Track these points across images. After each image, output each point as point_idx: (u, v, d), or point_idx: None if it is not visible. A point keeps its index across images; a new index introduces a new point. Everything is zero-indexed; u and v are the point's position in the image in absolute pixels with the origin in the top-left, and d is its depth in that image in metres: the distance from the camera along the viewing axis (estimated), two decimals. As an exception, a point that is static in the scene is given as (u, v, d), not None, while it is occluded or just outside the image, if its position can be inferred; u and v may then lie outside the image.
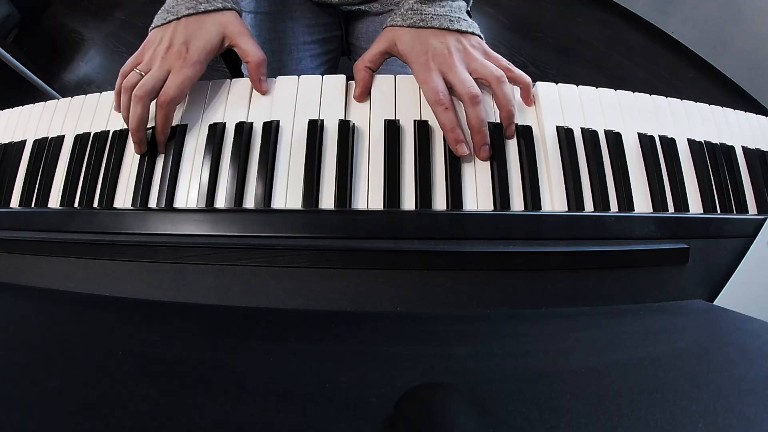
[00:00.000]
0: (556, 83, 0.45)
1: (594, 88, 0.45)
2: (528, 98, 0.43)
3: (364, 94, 0.43)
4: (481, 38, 0.45)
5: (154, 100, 0.41)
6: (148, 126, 0.42)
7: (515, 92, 0.43)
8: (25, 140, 0.48)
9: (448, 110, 0.40)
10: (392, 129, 0.41)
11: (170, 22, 0.43)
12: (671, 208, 0.40)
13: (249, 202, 0.40)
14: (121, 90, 0.43)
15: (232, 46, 0.45)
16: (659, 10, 1.51)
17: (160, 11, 0.45)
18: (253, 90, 0.45)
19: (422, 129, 0.41)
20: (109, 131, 0.45)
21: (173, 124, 0.43)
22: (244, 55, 0.44)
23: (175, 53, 0.42)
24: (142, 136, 0.42)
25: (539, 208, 0.39)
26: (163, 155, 0.43)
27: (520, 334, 0.27)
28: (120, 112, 0.44)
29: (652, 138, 0.43)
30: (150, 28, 0.45)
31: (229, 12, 0.44)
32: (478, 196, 0.39)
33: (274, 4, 0.60)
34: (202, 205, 0.40)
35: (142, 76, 0.41)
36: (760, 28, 1.31)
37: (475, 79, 0.41)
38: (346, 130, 0.41)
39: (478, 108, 0.40)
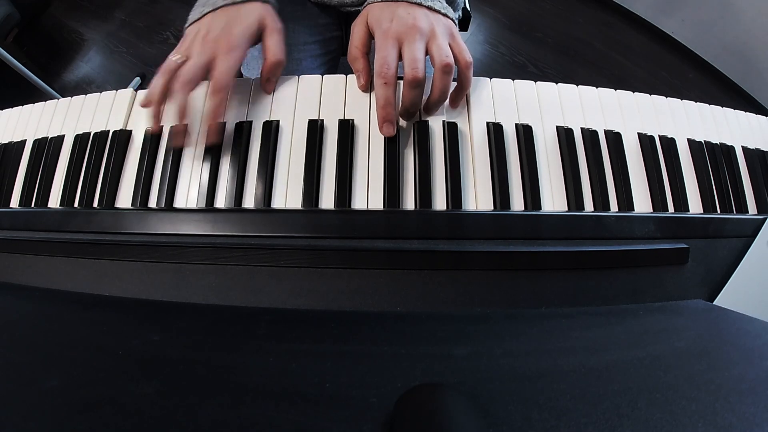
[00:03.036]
0: (556, 83, 0.45)
1: (594, 88, 0.45)
2: (456, 100, 0.42)
3: (369, 82, 0.42)
4: (454, 22, 0.43)
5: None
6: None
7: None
8: (25, 140, 0.48)
9: (387, 85, 0.38)
10: (392, 129, 0.41)
11: (206, 14, 0.43)
12: (671, 208, 0.41)
13: (249, 202, 0.40)
14: (160, 80, 0.41)
15: (262, 38, 0.43)
16: (659, 10, 1.51)
17: (193, 8, 0.44)
18: (253, 90, 0.45)
19: (422, 129, 0.41)
20: (109, 131, 0.45)
21: (172, 123, 0.43)
22: (266, 50, 0.43)
23: (216, 38, 0.41)
24: (183, 127, 0.41)
25: (539, 208, 0.39)
26: (163, 155, 0.43)
27: (520, 334, 0.27)
28: (148, 106, 0.42)
29: (652, 138, 0.43)
30: (185, 27, 0.44)
31: (266, 5, 0.44)
32: (478, 196, 0.39)
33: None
34: (202, 205, 0.40)
35: (180, 65, 0.40)
36: (760, 28, 1.31)
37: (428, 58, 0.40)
38: (346, 130, 0.41)
39: (415, 92, 0.38)
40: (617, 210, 0.40)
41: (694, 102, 0.46)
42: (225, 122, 0.43)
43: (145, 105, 0.42)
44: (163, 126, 0.43)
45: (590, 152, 0.41)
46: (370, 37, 0.43)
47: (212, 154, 0.41)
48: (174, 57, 0.41)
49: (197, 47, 0.41)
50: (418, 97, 0.39)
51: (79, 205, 0.43)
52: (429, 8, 0.41)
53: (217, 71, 0.40)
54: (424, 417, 0.16)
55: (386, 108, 0.39)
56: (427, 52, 0.40)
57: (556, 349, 0.25)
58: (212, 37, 0.41)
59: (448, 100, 0.42)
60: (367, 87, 0.43)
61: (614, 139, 0.42)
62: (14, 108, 0.51)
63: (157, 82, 0.40)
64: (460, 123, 0.42)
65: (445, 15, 0.42)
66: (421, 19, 0.40)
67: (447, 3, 0.44)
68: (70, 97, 0.49)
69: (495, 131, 0.41)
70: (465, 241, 0.35)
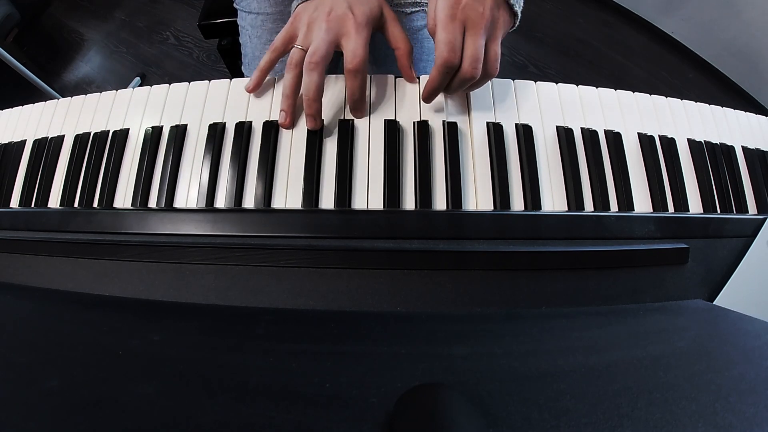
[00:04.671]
0: (556, 83, 0.45)
1: (594, 88, 0.45)
2: (426, 93, 0.40)
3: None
4: (517, 19, 0.40)
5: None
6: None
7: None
8: (25, 140, 0.48)
9: (449, 75, 0.37)
10: (392, 129, 0.41)
11: None
12: (671, 208, 0.40)
13: (249, 202, 0.40)
14: (286, 69, 0.40)
15: (382, 26, 0.42)
16: (659, 10, 1.51)
17: None
18: (249, 90, 0.44)
19: (422, 129, 0.41)
20: (109, 131, 0.45)
21: (177, 123, 0.43)
22: (395, 40, 0.42)
23: (342, 17, 0.39)
24: (319, 108, 0.40)
25: (539, 208, 0.39)
26: (163, 155, 0.43)
27: (520, 334, 0.27)
28: (253, 91, 0.43)
29: (652, 138, 0.43)
30: (296, 4, 0.43)
31: None
32: (478, 196, 0.39)
33: (277, 5, 0.60)
34: (202, 205, 0.40)
35: (305, 51, 0.39)
36: (760, 28, 1.31)
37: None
38: (346, 130, 0.41)
39: (464, 86, 0.38)
40: (617, 210, 0.40)
41: (694, 102, 0.46)
42: (225, 122, 0.43)
43: (251, 90, 0.43)
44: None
45: (590, 152, 0.41)
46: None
47: (212, 154, 0.41)
48: (297, 45, 0.40)
49: (321, 26, 0.39)
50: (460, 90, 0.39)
51: (79, 205, 0.43)
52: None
53: (349, 51, 0.38)
54: (424, 417, 0.16)
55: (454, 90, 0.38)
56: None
57: (556, 349, 0.25)
58: (336, 15, 0.39)
59: (424, 92, 0.40)
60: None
61: (614, 139, 0.42)
62: (14, 108, 0.51)
63: (289, 75, 0.40)
64: (460, 123, 0.42)
65: (513, 11, 0.39)
66: (489, 9, 0.37)
67: None
68: (70, 97, 0.49)
69: (495, 131, 0.41)
70: (465, 241, 0.35)
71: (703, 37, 1.47)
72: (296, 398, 0.19)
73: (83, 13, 1.64)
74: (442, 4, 0.37)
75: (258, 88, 0.44)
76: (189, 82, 0.45)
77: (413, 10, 0.60)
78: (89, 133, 0.46)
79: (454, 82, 0.38)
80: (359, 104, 0.41)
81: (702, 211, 0.41)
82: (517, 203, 0.39)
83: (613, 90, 0.45)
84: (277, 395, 0.19)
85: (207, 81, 0.46)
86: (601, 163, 0.41)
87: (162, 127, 0.43)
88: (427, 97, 0.40)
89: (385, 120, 0.42)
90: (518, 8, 0.39)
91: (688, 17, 1.46)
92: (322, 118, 0.42)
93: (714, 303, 0.35)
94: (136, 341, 0.25)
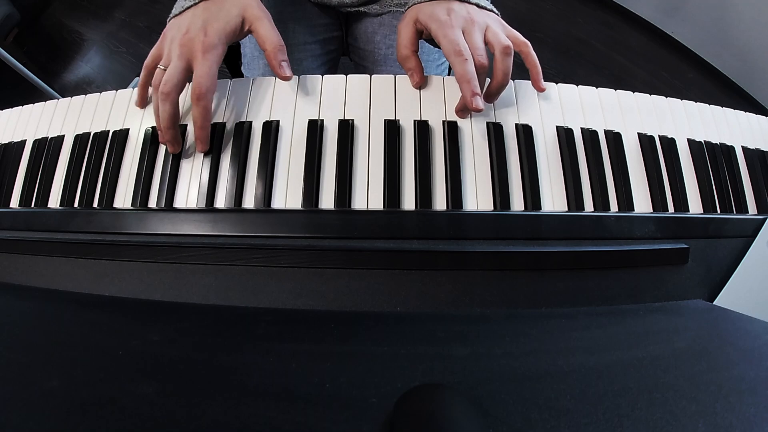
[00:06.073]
0: (556, 83, 0.45)
1: (594, 88, 0.45)
2: (538, 82, 0.43)
3: (423, 79, 0.43)
4: (498, 15, 0.45)
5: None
6: (180, 122, 0.41)
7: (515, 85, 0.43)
8: (25, 140, 0.48)
9: (467, 61, 0.39)
10: (392, 129, 0.41)
11: (187, 8, 0.42)
12: (671, 208, 0.40)
13: (249, 202, 0.39)
14: (150, 89, 0.41)
15: (250, 32, 0.43)
16: (659, 10, 1.51)
17: (175, 4, 0.44)
18: (253, 89, 0.45)
19: (422, 129, 0.41)
20: (109, 131, 0.45)
21: (181, 122, 0.43)
22: (261, 41, 0.43)
23: (193, 39, 0.40)
24: (175, 135, 0.40)
25: (539, 208, 0.39)
26: (163, 155, 0.43)
27: (520, 334, 0.27)
28: (141, 107, 0.44)
29: (652, 138, 0.43)
30: (168, 19, 0.44)
31: None
32: (478, 196, 0.39)
33: (276, 5, 0.60)
34: (202, 205, 0.40)
35: (165, 71, 0.40)
36: (760, 28, 1.31)
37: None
38: (346, 130, 0.41)
39: (480, 78, 0.40)
40: (617, 210, 0.40)
41: (694, 102, 0.46)
42: (225, 122, 0.43)
43: (139, 106, 0.44)
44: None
45: (590, 152, 0.41)
46: (418, 36, 0.44)
47: (212, 154, 0.41)
48: (160, 65, 0.41)
49: (175, 50, 0.40)
50: (483, 85, 0.41)
51: (79, 205, 0.43)
52: (476, 5, 0.43)
53: (196, 76, 0.39)
54: (424, 417, 0.16)
55: (472, 82, 0.39)
56: (485, 43, 0.41)
57: (556, 349, 0.25)
58: (188, 37, 0.40)
59: (536, 84, 0.43)
60: (421, 84, 0.43)
61: (614, 139, 0.42)
62: (14, 108, 0.51)
63: (155, 97, 0.40)
64: (460, 123, 0.42)
65: (491, 10, 0.44)
66: (475, 13, 0.42)
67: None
68: (70, 97, 0.49)
69: (495, 131, 0.41)
70: (465, 241, 0.35)
71: (703, 37, 1.47)
72: (296, 398, 0.19)
73: (83, 13, 1.64)
74: (434, 25, 0.41)
75: (144, 104, 0.45)
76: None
77: None
78: (89, 133, 0.46)
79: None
80: (202, 133, 0.40)
81: (702, 211, 0.41)
82: (517, 203, 0.39)
83: (613, 90, 0.45)
84: (277, 395, 0.19)
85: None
86: (601, 163, 0.41)
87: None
88: (464, 111, 0.41)
89: (385, 120, 0.42)
90: (487, 5, 0.44)
91: (688, 17, 1.46)
92: (321, 117, 0.42)
93: (714, 303, 0.35)
94: (136, 341, 0.25)
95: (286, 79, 0.42)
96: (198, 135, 0.41)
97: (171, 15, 0.44)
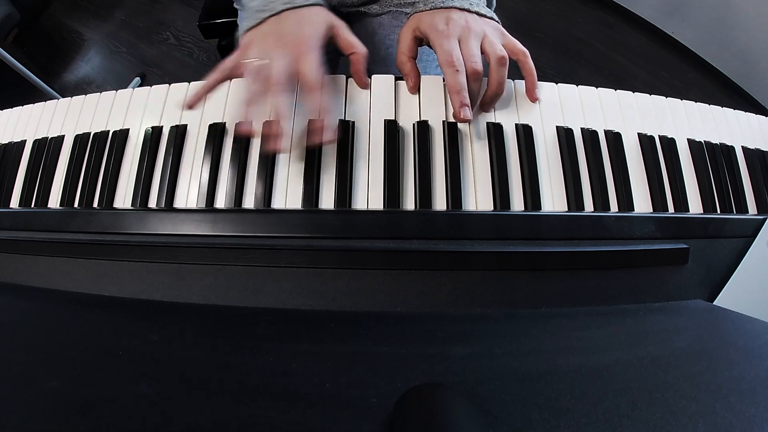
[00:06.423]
0: (556, 83, 0.45)
1: (594, 88, 0.45)
2: (532, 92, 0.44)
3: (418, 83, 0.44)
4: (498, 23, 0.46)
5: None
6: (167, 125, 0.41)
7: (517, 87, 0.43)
8: (25, 140, 0.48)
9: (459, 72, 0.40)
10: (392, 129, 0.41)
11: (267, 19, 0.42)
12: (671, 208, 0.40)
13: (249, 202, 0.39)
14: (255, 86, 0.39)
15: (333, 37, 0.44)
16: (659, 10, 1.51)
17: (246, 17, 0.44)
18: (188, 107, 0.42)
19: (422, 129, 0.41)
20: (109, 131, 0.45)
21: (177, 123, 0.43)
22: (348, 46, 0.43)
23: (291, 41, 0.40)
24: (287, 127, 0.39)
25: (539, 208, 0.39)
26: (163, 155, 0.43)
27: (520, 334, 0.27)
28: (190, 109, 0.42)
29: (652, 138, 0.43)
30: (241, 34, 0.44)
31: (322, 7, 0.44)
32: (478, 196, 0.39)
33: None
34: (202, 205, 0.40)
35: (262, 67, 0.39)
36: (760, 28, 1.31)
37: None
38: (346, 130, 0.41)
39: (474, 85, 0.41)
40: (617, 210, 0.40)
41: (694, 102, 0.46)
42: (225, 122, 0.43)
43: (190, 105, 0.41)
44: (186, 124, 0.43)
45: (590, 152, 0.41)
46: (418, 43, 0.46)
47: (212, 154, 0.41)
48: (253, 60, 0.40)
49: (275, 49, 0.39)
50: (477, 92, 0.42)
51: (79, 205, 0.43)
52: (477, 13, 0.44)
53: (304, 72, 0.39)
54: (425, 417, 0.16)
55: (461, 93, 0.39)
56: (482, 51, 0.42)
57: (556, 349, 0.25)
58: (287, 40, 0.40)
59: (530, 94, 0.44)
60: (416, 89, 0.44)
61: (614, 139, 0.42)
62: (14, 108, 0.51)
63: (254, 87, 0.39)
64: (460, 123, 0.42)
65: (491, 18, 0.45)
66: (473, 21, 0.43)
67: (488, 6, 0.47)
68: (70, 97, 0.49)
69: (495, 131, 0.41)
70: (465, 242, 0.35)
71: (703, 37, 1.47)
72: (296, 398, 0.19)
73: (83, 13, 1.64)
74: (433, 34, 0.42)
75: (198, 105, 0.42)
76: (189, 82, 0.45)
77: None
78: (89, 134, 0.46)
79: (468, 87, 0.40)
80: (329, 121, 0.39)
81: (702, 212, 0.41)
82: (517, 203, 0.39)
83: (613, 90, 0.45)
84: (277, 395, 0.19)
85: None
86: (601, 163, 0.41)
87: (162, 127, 0.43)
88: (463, 117, 0.40)
89: (385, 120, 0.42)
90: (487, 12, 0.45)
91: (688, 17, 1.46)
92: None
93: (714, 303, 0.35)
94: (136, 341, 0.25)
95: (365, 87, 0.44)
96: (314, 127, 0.40)
97: (246, 27, 0.43)
